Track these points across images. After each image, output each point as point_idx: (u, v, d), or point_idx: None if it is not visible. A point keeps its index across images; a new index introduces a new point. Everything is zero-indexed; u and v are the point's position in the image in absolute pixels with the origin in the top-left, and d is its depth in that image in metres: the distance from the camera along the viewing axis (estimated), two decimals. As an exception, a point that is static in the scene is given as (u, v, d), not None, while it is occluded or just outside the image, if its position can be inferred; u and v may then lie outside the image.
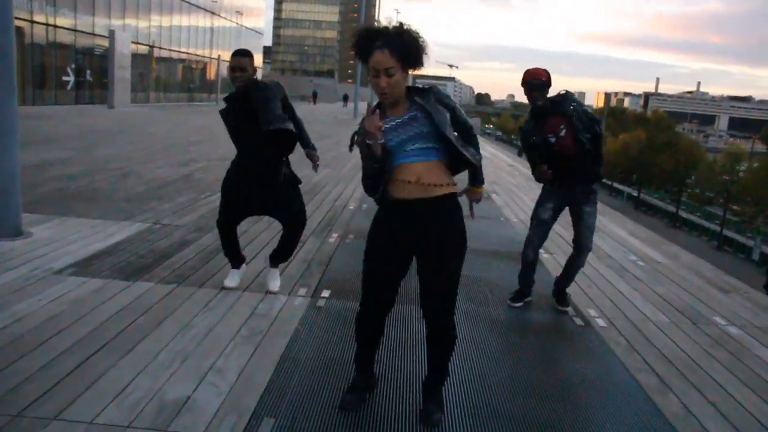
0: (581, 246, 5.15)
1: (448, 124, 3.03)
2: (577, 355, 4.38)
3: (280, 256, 5.10)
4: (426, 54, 3.01)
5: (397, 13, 63.71)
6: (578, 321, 4.98)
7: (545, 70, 4.86)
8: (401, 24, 2.99)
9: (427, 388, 3.39)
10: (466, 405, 3.53)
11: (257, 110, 4.54)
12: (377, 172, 3.06)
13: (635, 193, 56.77)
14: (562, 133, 4.84)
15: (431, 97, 3.07)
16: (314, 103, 61.93)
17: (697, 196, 52.58)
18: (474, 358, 4.17)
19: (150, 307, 4.53)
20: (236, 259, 5.18)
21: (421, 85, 3.15)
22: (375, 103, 3.14)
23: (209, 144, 16.26)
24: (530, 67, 4.93)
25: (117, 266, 5.42)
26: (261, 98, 4.56)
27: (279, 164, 4.77)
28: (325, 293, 5.12)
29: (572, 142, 4.81)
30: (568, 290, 5.34)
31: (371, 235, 3.21)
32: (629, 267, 6.86)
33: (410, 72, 3.03)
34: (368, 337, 3.39)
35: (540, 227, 5.17)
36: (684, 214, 53.39)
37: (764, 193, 44.07)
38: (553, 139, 4.87)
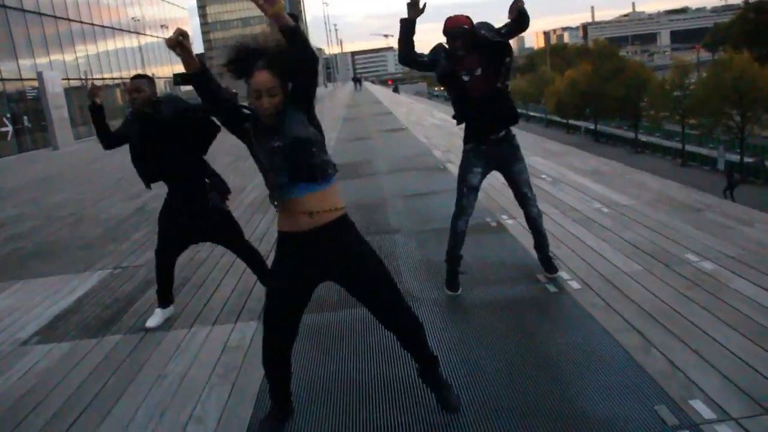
0: (526, 200, 4.98)
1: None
2: (556, 326, 4.34)
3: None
4: (314, 64, 2.88)
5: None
6: (552, 288, 4.93)
7: (467, 17, 4.57)
8: (272, 43, 2.86)
9: (428, 379, 3.36)
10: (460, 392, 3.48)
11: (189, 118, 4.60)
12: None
13: (592, 127, 57.24)
14: (477, 71, 4.59)
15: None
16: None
17: (652, 117, 53.06)
18: (450, 346, 4.12)
19: (121, 362, 4.42)
20: (165, 297, 5.12)
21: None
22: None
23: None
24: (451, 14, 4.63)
25: (83, 324, 5.29)
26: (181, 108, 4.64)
27: (202, 190, 4.79)
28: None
29: (486, 84, 4.60)
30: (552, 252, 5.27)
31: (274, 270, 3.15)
32: (595, 217, 6.84)
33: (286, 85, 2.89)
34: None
35: (472, 194, 4.90)
36: (644, 138, 54.02)
37: (718, 102, 44.52)
38: (466, 77, 4.61)
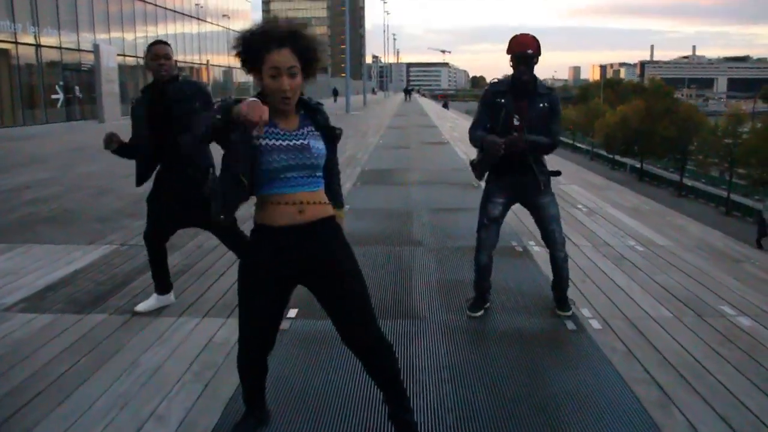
0: (552, 241, 4.63)
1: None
2: (567, 367, 3.93)
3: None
4: (322, 65, 2.68)
5: (384, 2, 63.04)
6: (570, 325, 4.52)
7: (533, 38, 4.34)
8: (297, 24, 2.62)
9: (399, 424, 2.93)
10: (441, 427, 3.12)
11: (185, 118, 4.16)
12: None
13: (638, 165, 56.14)
14: (522, 122, 4.38)
15: (321, 119, 2.75)
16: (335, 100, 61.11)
17: (701, 162, 51.93)
18: (445, 375, 3.75)
19: (98, 343, 4.14)
20: (161, 283, 4.78)
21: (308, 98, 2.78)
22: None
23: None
24: (518, 33, 4.40)
25: (72, 297, 5.04)
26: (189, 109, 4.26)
27: (201, 178, 4.31)
28: (292, 313, 4.66)
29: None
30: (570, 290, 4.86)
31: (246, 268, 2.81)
32: (627, 254, 6.40)
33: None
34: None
35: (492, 227, 4.63)
36: (689, 182, 52.79)
37: (769, 152, 43.36)
38: (517, 123, 4.37)
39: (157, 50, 4.36)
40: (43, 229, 7.52)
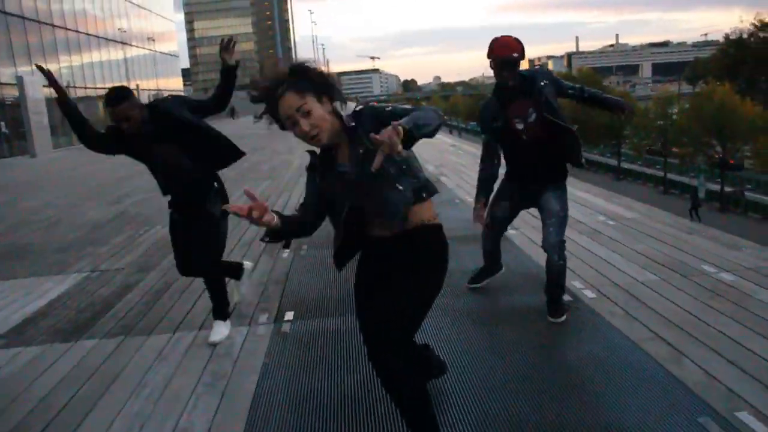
0: (544, 238, 4.18)
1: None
2: (574, 335, 3.99)
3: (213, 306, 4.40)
4: (331, 80, 2.57)
5: (311, 13, 62.93)
6: (564, 298, 4.57)
7: (516, 41, 4.01)
8: (293, 65, 2.54)
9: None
10: (460, 414, 3.12)
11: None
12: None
13: (575, 153, 57.36)
14: (532, 118, 4.08)
15: (367, 124, 2.51)
16: (233, 118, 60.00)
17: (636, 146, 53.42)
18: (461, 360, 3.72)
19: (96, 369, 3.98)
20: (219, 309, 4.36)
21: (354, 109, 2.65)
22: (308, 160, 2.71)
23: (141, 176, 15.44)
24: (499, 35, 4.08)
25: (55, 327, 4.84)
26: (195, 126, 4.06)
27: (205, 196, 4.14)
28: (289, 315, 4.60)
29: (543, 130, 4.07)
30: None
31: None
32: (601, 228, 6.53)
33: (327, 100, 2.55)
34: None
35: (496, 228, 4.59)
36: (626, 166, 54.22)
37: (699, 131, 44.91)
38: (520, 126, 4.10)
39: (115, 114, 3.84)
40: (2, 265, 7.21)
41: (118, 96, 3.83)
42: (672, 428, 2.86)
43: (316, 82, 2.51)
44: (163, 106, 4.07)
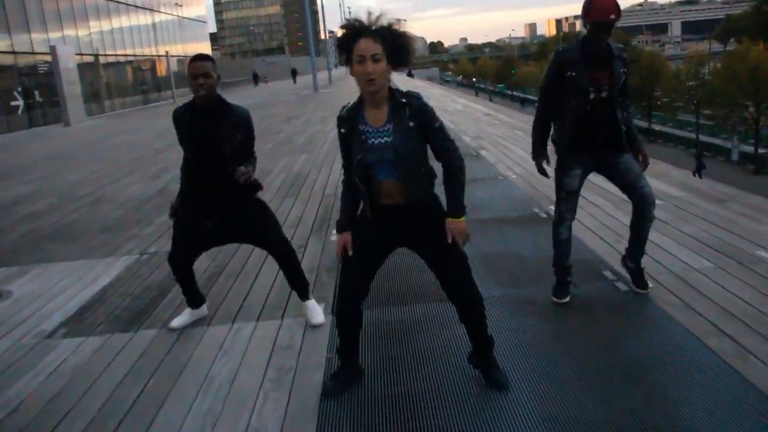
0: (643, 197, 4.20)
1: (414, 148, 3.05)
2: (634, 328, 3.97)
3: (297, 287, 4.50)
4: (412, 56, 3.00)
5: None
6: (621, 286, 4.55)
7: (615, 2, 3.88)
8: (385, 18, 2.93)
9: (476, 361, 3.43)
10: (522, 414, 3.13)
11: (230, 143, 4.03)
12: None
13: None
14: (604, 93, 4.02)
15: (412, 110, 3.02)
16: (255, 85, 58.98)
17: (667, 107, 52.63)
18: (519, 355, 3.72)
19: (161, 361, 4.05)
20: (193, 298, 4.59)
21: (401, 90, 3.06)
22: (349, 104, 3.11)
23: (175, 149, 15.56)
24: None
25: (113, 315, 4.93)
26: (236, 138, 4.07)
27: (245, 188, 4.12)
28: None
29: (609, 109, 4.06)
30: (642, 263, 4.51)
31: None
32: (650, 209, 6.45)
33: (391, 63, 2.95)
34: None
35: (570, 199, 4.30)
36: (657, 127, 53.45)
37: (733, 93, 44.03)
38: (593, 95, 4.02)
39: (194, 69, 3.90)
40: (51, 246, 7.33)
41: (205, 56, 4.03)
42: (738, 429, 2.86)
43: (397, 44, 2.91)
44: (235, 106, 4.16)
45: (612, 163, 4.23)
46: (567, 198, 4.33)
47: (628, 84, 4.21)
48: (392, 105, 3.00)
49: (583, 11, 3.96)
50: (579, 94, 4.04)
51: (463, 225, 3.17)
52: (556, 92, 4.14)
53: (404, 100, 2.99)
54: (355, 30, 2.90)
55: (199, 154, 4.09)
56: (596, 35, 3.94)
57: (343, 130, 3.10)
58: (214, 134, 4.00)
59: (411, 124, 2.98)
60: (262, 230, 4.32)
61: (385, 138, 3.00)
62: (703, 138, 46.11)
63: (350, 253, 3.20)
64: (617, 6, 3.89)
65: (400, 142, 2.99)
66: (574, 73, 4.02)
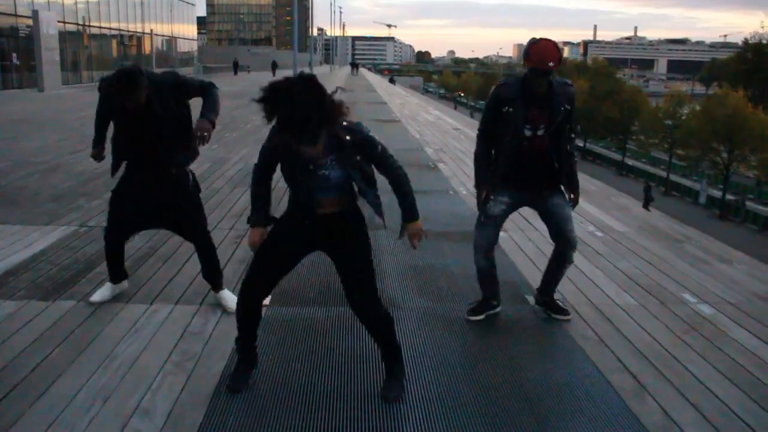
0: (566, 242, 4.29)
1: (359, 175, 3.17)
2: (543, 355, 4.03)
3: (211, 279, 4.55)
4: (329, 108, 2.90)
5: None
6: (540, 313, 4.59)
7: (556, 47, 3.90)
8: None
9: (386, 362, 3.47)
10: (403, 421, 3.17)
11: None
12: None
13: (581, 144, 57.25)
14: (540, 131, 4.06)
15: (357, 143, 3.09)
16: (235, 73, 58.62)
17: (642, 143, 53.36)
18: (422, 368, 3.75)
19: (70, 333, 4.04)
20: (116, 273, 4.61)
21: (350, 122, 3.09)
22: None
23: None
24: (537, 37, 3.97)
25: (35, 283, 4.89)
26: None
27: (184, 168, 4.27)
28: (265, 300, 4.60)
29: (543, 143, 4.09)
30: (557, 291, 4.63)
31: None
32: (589, 240, 6.53)
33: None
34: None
35: (488, 226, 4.30)
36: (630, 162, 54.15)
37: (707, 136, 44.75)
38: (529, 133, 4.07)
39: (120, 91, 3.86)
40: (-5, 207, 7.25)
41: (131, 85, 3.85)
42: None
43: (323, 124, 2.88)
44: (157, 79, 4.13)
45: (543, 203, 4.27)
46: (485, 223, 4.32)
47: (574, 118, 4.22)
48: (332, 140, 3.02)
49: (524, 53, 4.01)
50: (514, 130, 4.06)
51: (419, 226, 3.36)
52: (494, 124, 4.16)
53: (348, 138, 3.04)
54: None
55: (137, 144, 4.19)
56: (534, 79, 3.97)
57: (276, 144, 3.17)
58: (152, 129, 4.09)
59: (358, 158, 3.10)
60: (189, 219, 4.38)
61: (322, 171, 3.10)
62: (673, 178, 46.79)
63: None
64: (559, 55, 3.91)
65: (341, 176, 3.13)
66: (511, 109, 4.03)
